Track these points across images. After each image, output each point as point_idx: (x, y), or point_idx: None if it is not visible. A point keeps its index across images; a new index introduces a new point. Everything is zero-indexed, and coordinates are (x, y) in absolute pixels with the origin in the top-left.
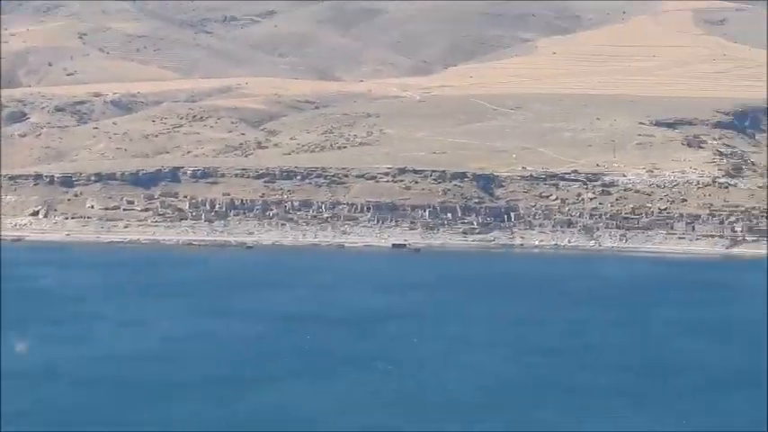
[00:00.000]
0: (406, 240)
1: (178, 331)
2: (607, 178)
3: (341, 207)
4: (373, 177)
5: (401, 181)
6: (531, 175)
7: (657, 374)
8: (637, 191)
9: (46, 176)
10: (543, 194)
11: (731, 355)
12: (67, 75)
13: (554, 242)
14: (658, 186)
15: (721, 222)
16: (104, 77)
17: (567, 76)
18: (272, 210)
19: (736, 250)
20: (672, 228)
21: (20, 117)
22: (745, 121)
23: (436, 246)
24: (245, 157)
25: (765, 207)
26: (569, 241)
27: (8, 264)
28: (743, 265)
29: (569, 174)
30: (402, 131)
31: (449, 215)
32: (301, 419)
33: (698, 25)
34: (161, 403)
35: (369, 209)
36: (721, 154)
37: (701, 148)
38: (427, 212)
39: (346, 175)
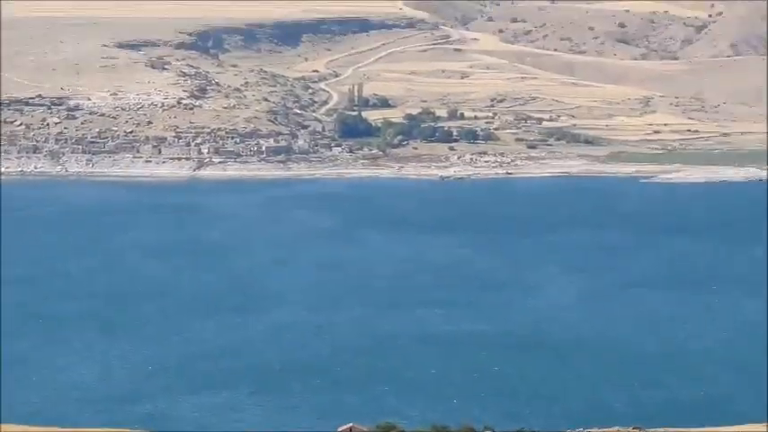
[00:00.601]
0: None
1: None
2: (72, 102)
3: None
4: None
5: None
6: None
7: (126, 300)
8: (102, 114)
9: None
10: (8, 120)
11: (205, 279)
12: None
13: (20, 168)
14: (123, 109)
15: (188, 144)
16: None
17: None
18: None
19: (203, 172)
20: (138, 151)
21: None
22: (209, 41)
23: None
24: None
25: (231, 128)
26: (35, 167)
27: None
28: (210, 186)
29: (34, 98)
30: None
31: None
32: None
33: None
34: None
35: None
36: (185, 75)
37: (165, 69)
38: None
39: None
